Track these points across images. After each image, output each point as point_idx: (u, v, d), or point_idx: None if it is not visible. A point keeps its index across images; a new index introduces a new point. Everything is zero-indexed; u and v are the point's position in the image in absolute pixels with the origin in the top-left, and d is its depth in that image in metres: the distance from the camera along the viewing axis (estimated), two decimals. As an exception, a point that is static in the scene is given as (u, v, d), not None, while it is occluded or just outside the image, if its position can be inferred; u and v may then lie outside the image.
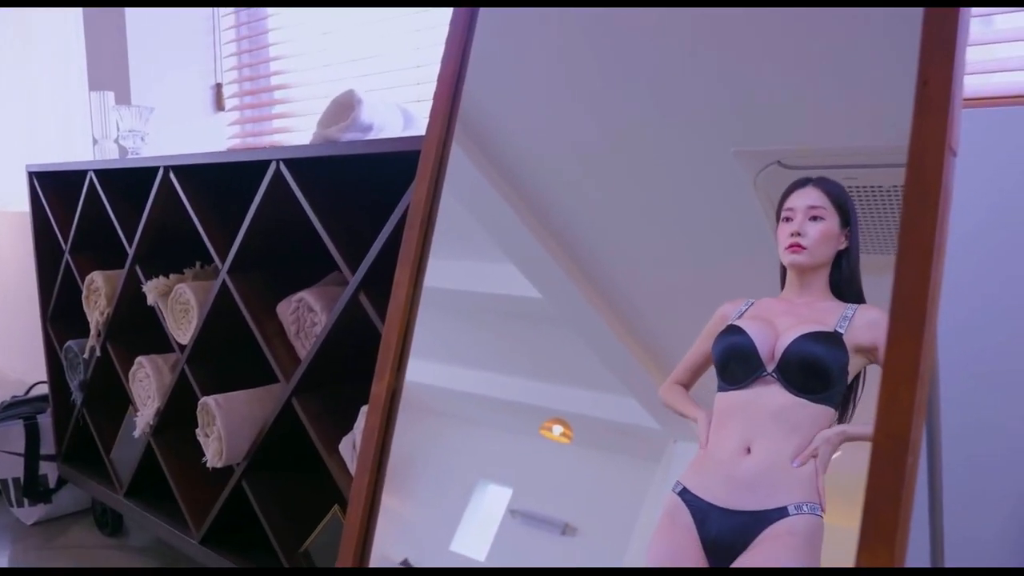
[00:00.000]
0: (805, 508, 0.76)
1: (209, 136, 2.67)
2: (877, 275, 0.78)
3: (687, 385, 0.86)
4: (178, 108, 2.61)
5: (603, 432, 0.92)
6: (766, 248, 0.84)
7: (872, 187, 0.78)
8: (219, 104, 2.70)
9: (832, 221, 0.81)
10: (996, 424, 1.22)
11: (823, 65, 0.83)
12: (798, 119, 0.84)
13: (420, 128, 1.52)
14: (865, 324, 0.77)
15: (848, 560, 0.70)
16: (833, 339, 0.78)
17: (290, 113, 2.47)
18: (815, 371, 0.78)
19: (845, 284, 0.81)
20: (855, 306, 0.79)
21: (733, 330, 0.83)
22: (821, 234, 0.81)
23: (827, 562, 0.74)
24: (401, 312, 1.03)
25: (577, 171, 0.98)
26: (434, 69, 1.99)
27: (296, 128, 2.45)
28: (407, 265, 1.04)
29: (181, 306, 1.68)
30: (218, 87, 2.70)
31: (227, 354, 1.70)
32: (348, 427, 1.34)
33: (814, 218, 0.82)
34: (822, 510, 0.76)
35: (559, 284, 0.97)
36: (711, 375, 0.85)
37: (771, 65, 0.86)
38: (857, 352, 0.77)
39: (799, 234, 0.82)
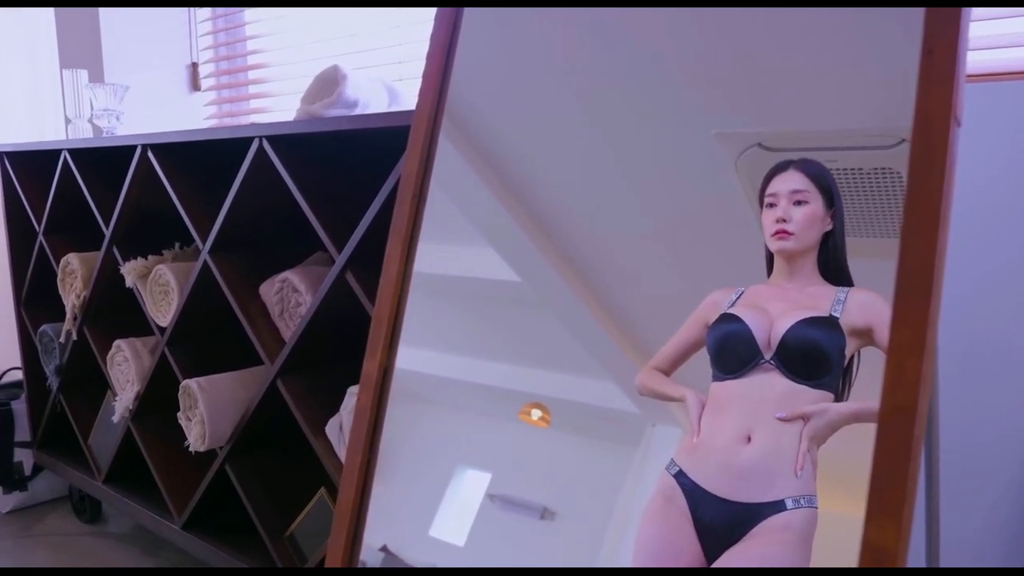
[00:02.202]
0: (803, 502, 0.75)
1: (185, 116, 2.61)
2: (857, 258, 0.77)
3: (667, 373, 0.85)
4: (153, 87, 2.55)
5: (582, 416, 0.91)
6: (748, 231, 0.83)
7: (853, 169, 0.78)
8: (195, 84, 2.65)
9: (817, 204, 0.80)
10: (990, 403, 1.22)
11: (805, 47, 0.82)
12: (779, 101, 0.83)
13: (405, 105, 1.49)
14: (858, 306, 0.77)
15: (842, 547, 0.69)
16: (830, 323, 0.77)
17: (268, 93, 2.42)
18: (815, 356, 0.77)
19: (833, 266, 0.80)
20: (846, 289, 0.78)
21: (728, 318, 0.82)
22: (807, 218, 0.80)
23: (821, 549, 0.74)
24: (393, 287, 1.01)
25: (557, 155, 0.97)
26: (416, 47, 1.97)
27: (274, 108, 2.40)
28: (399, 240, 1.02)
29: (161, 288, 1.65)
30: (194, 66, 2.64)
31: (209, 336, 1.67)
32: (334, 409, 1.32)
33: (798, 202, 0.81)
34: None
35: (539, 268, 0.96)
36: (691, 365, 0.84)
37: (752, 46, 0.84)
38: (852, 334, 0.76)
39: (785, 220, 0.81)
